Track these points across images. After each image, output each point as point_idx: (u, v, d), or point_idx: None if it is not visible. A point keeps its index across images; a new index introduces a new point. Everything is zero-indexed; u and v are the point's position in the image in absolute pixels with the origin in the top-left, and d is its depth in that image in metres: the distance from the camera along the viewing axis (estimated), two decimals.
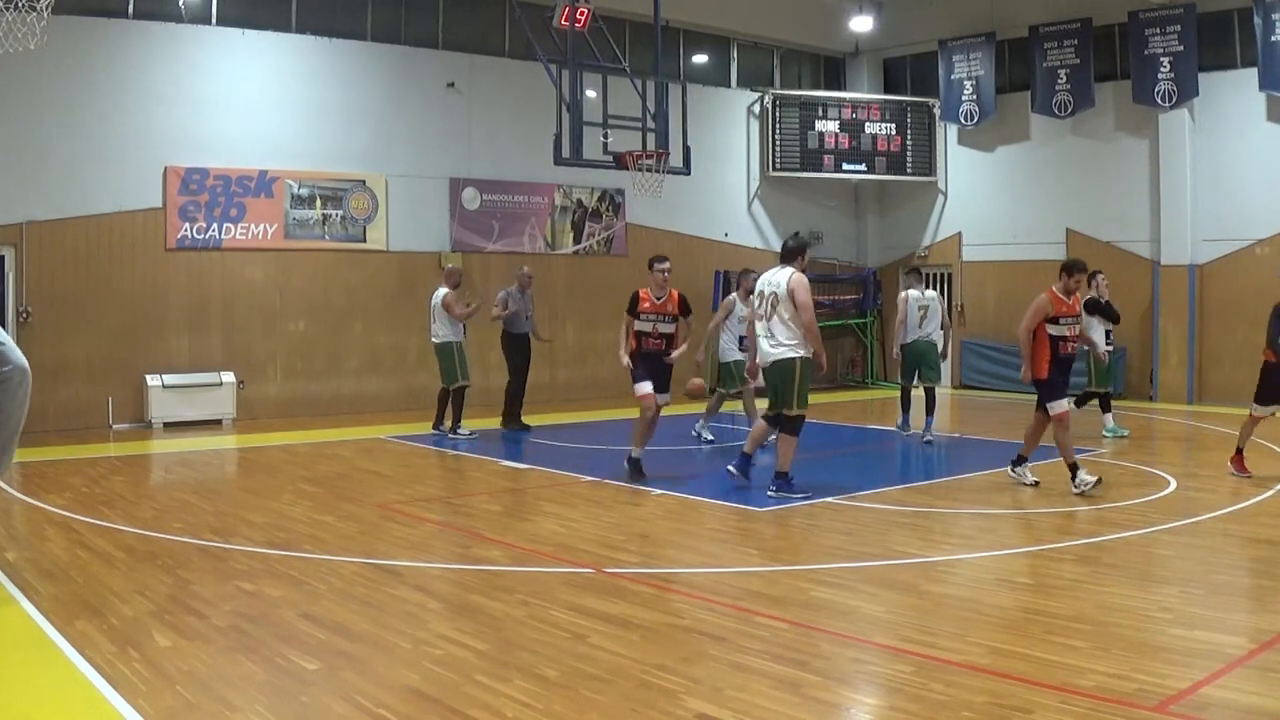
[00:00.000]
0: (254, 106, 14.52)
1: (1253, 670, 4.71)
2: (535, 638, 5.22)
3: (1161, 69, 16.49)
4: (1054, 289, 8.96)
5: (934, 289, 15.56)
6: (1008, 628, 5.35)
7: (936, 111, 19.54)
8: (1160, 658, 4.88)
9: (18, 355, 6.20)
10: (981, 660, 4.85)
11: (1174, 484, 9.33)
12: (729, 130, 19.09)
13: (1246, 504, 8.40)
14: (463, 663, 4.87)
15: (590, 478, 9.93)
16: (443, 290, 12.86)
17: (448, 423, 12.86)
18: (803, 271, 8.73)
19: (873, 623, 5.57)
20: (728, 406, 12.81)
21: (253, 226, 14.52)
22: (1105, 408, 12.63)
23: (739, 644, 5.12)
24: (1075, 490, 8.73)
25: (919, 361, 12.43)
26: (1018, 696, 4.39)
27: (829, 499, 8.74)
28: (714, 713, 4.26)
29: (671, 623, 5.49)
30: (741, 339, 11.44)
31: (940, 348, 12.59)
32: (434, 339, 12.95)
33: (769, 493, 8.71)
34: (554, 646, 5.08)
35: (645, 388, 9.44)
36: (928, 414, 12.32)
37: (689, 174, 14.04)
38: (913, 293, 12.56)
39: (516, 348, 13.37)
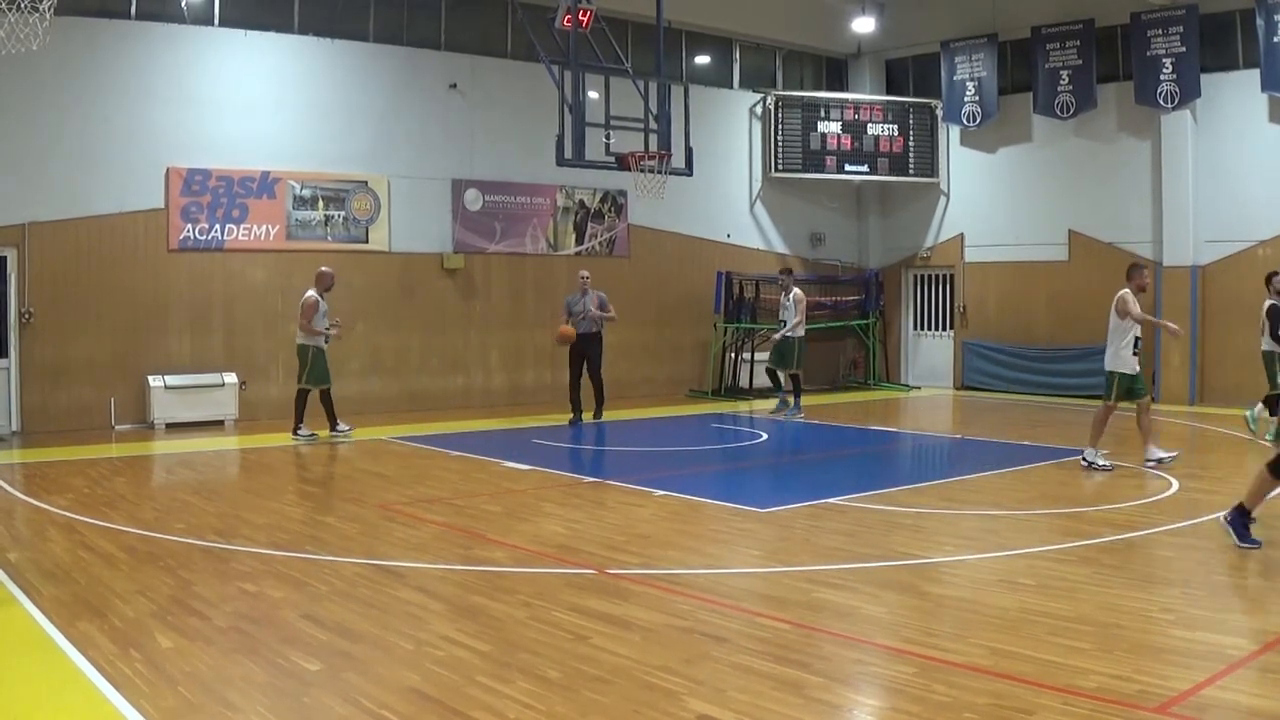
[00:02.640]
0: (256, 107, 14.52)
1: (1254, 671, 4.70)
2: (537, 639, 5.22)
3: (1163, 70, 16.48)
4: None
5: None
6: (1009, 629, 5.35)
7: (938, 112, 19.52)
8: (1162, 659, 4.88)
9: None
10: (983, 661, 4.85)
11: (1176, 485, 9.31)
12: (731, 131, 19.08)
13: None
14: (464, 664, 4.87)
15: (592, 479, 9.92)
16: (310, 292, 12.64)
17: (341, 424, 12.75)
18: None
19: (875, 624, 5.57)
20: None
21: (255, 227, 14.53)
22: (1273, 410, 11.86)
23: (741, 645, 5.12)
24: None
25: None
26: (1020, 698, 4.39)
27: (830, 499, 8.75)
28: (716, 714, 4.26)
29: (673, 624, 5.49)
30: (1138, 341, 10.11)
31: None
32: (296, 339, 12.76)
33: (1222, 518, 7.20)
34: (556, 648, 5.09)
35: None
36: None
37: (691, 175, 14.02)
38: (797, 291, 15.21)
39: (577, 345, 13.85)
